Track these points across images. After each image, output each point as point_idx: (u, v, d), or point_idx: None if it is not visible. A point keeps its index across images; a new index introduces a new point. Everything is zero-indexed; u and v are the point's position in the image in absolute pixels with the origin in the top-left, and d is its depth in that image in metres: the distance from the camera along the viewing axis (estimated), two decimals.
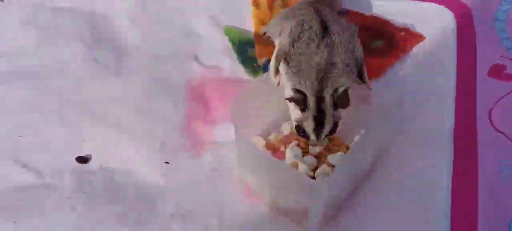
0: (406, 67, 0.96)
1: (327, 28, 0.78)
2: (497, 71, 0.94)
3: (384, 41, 0.98)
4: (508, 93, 0.90)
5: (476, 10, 1.07)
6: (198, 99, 0.90)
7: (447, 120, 0.86)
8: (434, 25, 1.04)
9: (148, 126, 0.86)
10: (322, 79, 0.74)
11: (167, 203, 0.77)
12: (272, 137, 0.84)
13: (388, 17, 1.05)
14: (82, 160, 0.81)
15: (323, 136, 0.75)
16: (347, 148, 0.80)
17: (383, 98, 0.81)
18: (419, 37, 0.99)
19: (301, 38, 0.77)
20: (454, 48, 0.99)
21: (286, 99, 0.77)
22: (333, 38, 0.77)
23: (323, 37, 0.77)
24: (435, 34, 1.02)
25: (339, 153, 0.79)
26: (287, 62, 0.77)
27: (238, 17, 1.06)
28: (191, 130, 0.86)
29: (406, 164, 0.81)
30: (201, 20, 1.05)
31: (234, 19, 1.06)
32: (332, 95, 0.74)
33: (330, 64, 0.75)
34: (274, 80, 0.81)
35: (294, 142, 0.81)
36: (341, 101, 0.74)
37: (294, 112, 0.76)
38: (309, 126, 0.74)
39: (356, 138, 0.80)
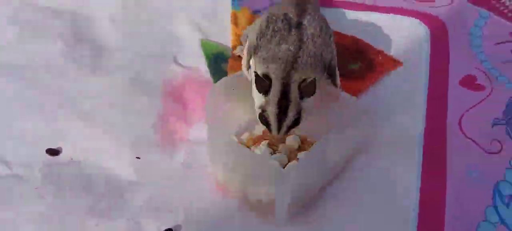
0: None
1: (300, 23, 0.80)
2: (469, 82, 0.96)
3: (362, 64, 0.99)
4: (479, 102, 0.92)
5: (451, 26, 1.09)
6: (175, 99, 0.92)
7: (418, 125, 0.88)
8: (410, 38, 1.07)
9: (123, 121, 0.87)
10: (288, 67, 0.75)
11: (137, 196, 0.77)
12: (244, 137, 0.85)
13: (365, 31, 1.08)
14: (53, 152, 0.81)
15: (285, 127, 0.74)
16: None
17: (355, 103, 0.82)
18: (396, 63, 1.00)
19: (268, 30, 0.79)
20: (427, 58, 1.02)
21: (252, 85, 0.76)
22: (303, 33, 0.79)
23: (291, 30, 0.78)
24: (409, 45, 1.05)
25: (305, 152, 0.79)
26: (255, 53, 0.78)
27: (219, 25, 1.08)
28: (165, 127, 0.87)
29: (377, 166, 0.82)
30: (182, 24, 1.07)
31: (215, 26, 1.08)
32: (299, 83, 0.74)
33: (298, 56, 0.76)
34: (246, 74, 0.82)
35: (265, 142, 0.82)
36: (307, 90, 0.74)
37: (258, 98, 0.76)
38: (271, 112, 0.74)
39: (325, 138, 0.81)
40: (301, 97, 0.75)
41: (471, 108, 0.91)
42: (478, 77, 0.97)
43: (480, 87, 0.95)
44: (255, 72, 0.76)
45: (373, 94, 0.94)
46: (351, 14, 1.14)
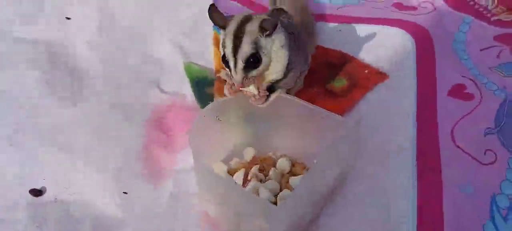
0: None
1: None
2: (458, 91, 0.95)
3: (348, 81, 0.97)
4: (470, 112, 0.90)
5: (435, 34, 1.08)
6: (158, 126, 0.88)
7: (409, 138, 0.86)
8: (395, 49, 1.05)
9: (105, 153, 0.83)
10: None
11: None
12: (233, 162, 0.82)
13: (350, 44, 1.06)
14: (36, 192, 0.78)
15: (240, 61, 0.73)
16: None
17: (342, 122, 0.80)
18: (382, 76, 0.98)
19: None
20: (414, 69, 1.00)
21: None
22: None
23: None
24: (395, 56, 1.03)
25: (300, 176, 0.77)
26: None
27: (201, 44, 1.06)
28: (150, 157, 0.84)
29: (369, 184, 0.80)
30: (163, 46, 1.04)
31: (197, 45, 1.05)
32: (260, 20, 0.74)
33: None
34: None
35: (256, 167, 0.79)
36: (268, 23, 0.73)
37: (221, 36, 0.76)
38: (227, 44, 0.74)
39: (316, 161, 0.79)
40: (262, 30, 0.73)
41: (461, 118, 0.89)
42: (467, 86, 0.96)
43: (469, 96, 0.94)
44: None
45: (360, 110, 0.92)
46: (335, 27, 1.12)
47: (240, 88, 0.78)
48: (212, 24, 1.06)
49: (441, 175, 0.80)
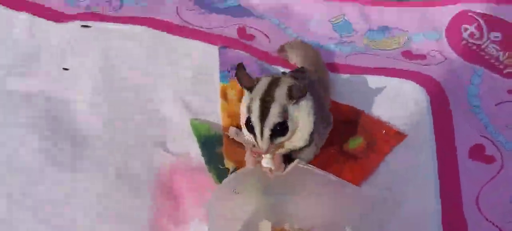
0: None
1: None
2: (478, 153, 0.91)
3: (365, 140, 0.93)
4: (492, 178, 0.87)
5: (448, 88, 1.05)
6: (166, 195, 0.83)
7: (433, 210, 0.82)
8: (409, 103, 1.01)
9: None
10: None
11: None
12: None
13: (360, 97, 1.02)
14: None
15: (267, 128, 0.71)
16: None
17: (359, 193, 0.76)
18: (400, 136, 0.94)
19: None
20: (431, 127, 0.96)
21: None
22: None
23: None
24: (410, 113, 0.99)
25: None
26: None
27: (208, 98, 1.00)
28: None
29: None
30: (169, 104, 0.98)
31: (205, 100, 1.00)
32: (288, 85, 0.73)
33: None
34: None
35: None
36: (297, 90, 0.72)
37: (245, 99, 0.75)
38: (254, 109, 0.72)
39: None
40: (290, 98, 0.72)
41: (485, 185, 0.85)
42: (486, 147, 0.92)
43: (490, 159, 0.90)
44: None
45: (377, 175, 0.87)
46: (345, 78, 1.08)
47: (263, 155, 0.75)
48: (219, 75, 1.05)
49: None
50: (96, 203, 0.80)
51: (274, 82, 0.75)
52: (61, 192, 0.81)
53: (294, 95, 0.72)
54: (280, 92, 0.73)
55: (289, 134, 0.74)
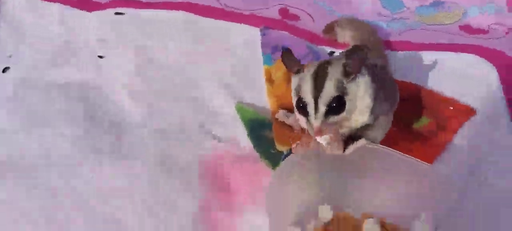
0: None
1: None
2: None
3: (431, 119, 0.84)
4: None
5: None
6: (216, 184, 0.75)
7: None
8: (475, 78, 0.92)
9: (158, 222, 0.70)
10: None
11: None
12: (310, 227, 0.68)
13: (423, 75, 0.93)
14: None
15: (322, 106, 0.63)
16: None
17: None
18: (469, 112, 0.85)
19: None
20: (503, 102, 0.87)
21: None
22: None
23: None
24: (477, 88, 0.90)
25: None
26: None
27: (253, 82, 0.93)
28: (209, 222, 0.70)
29: None
30: (213, 90, 0.91)
31: (249, 84, 0.93)
32: (343, 62, 0.65)
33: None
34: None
35: None
36: (355, 63, 0.64)
37: (294, 81, 0.68)
38: (306, 89, 0.64)
39: (414, 223, 0.65)
40: (346, 75, 0.64)
41: None
42: None
43: None
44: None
45: (449, 155, 0.78)
46: (402, 55, 0.99)
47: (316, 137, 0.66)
48: (262, 58, 0.98)
49: None
50: (140, 194, 0.73)
51: (327, 62, 0.67)
52: (103, 183, 0.74)
53: (351, 70, 0.64)
54: (335, 69, 0.65)
55: (346, 112, 0.65)
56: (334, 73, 0.65)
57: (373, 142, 0.70)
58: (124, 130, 0.83)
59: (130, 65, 0.95)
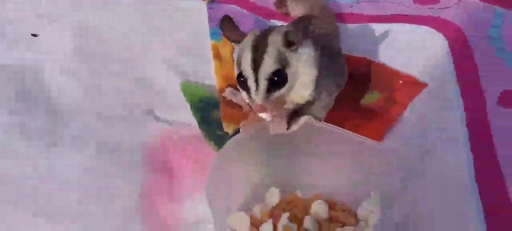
0: None
1: None
2: (509, 99, 0.81)
3: (381, 93, 0.82)
4: None
5: (468, 32, 0.94)
6: (159, 168, 0.72)
7: (464, 162, 0.71)
8: (426, 51, 0.91)
9: (98, 213, 0.66)
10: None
11: None
12: (256, 210, 0.66)
13: (373, 47, 0.91)
14: None
15: (262, 80, 0.60)
16: (355, 216, 0.64)
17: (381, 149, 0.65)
18: (420, 85, 0.83)
19: None
20: (453, 74, 0.86)
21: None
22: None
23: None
24: (429, 61, 0.89)
25: (348, 229, 0.61)
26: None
27: (199, 59, 0.89)
28: (153, 210, 0.67)
29: (429, 223, 0.65)
30: (156, 67, 0.87)
31: (196, 61, 0.88)
32: (284, 32, 0.62)
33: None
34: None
35: (285, 216, 0.63)
36: (294, 34, 0.61)
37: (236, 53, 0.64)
38: (244, 61, 0.61)
39: (364, 203, 0.64)
40: (288, 45, 0.61)
41: None
42: None
43: None
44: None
45: (399, 131, 0.76)
46: (353, 28, 0.97)
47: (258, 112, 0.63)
48: (209, 32, 0.94)
49: None
50: (78, 181, 0.69)
51: (268, 31, 0.64)
52: (38, 170, 0.69)
53: (291, 40, 0.61)
54: (275, 38, 0.62)
55: (288, 85, 0.62)
56: (275, 44, 0.61)
57: (316, 118, 0.68)
58: (61, 114, 0.77)
59: (68, 44, 0.89)
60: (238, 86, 0.64)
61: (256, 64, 0.60)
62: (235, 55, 0.65)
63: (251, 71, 0.61)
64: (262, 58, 0.60)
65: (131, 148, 0.73)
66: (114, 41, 0.91)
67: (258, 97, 0.61)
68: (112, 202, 0.67)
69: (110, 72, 0.85)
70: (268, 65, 0.60)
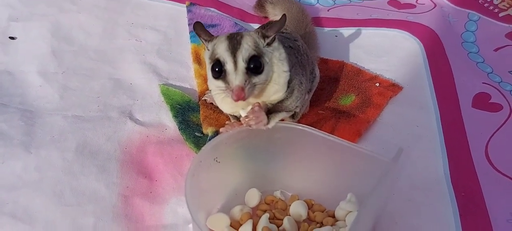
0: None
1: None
2: (482, 101, 0.83)
3: (357, 96, 0.83)
4: (501, 126, 0.78)
5: (443, 35, 0.96)
6: (137, 171, 0.71)
7: (439, 162, 0.73)
8: (402, 54, 0.92)
9: (74, 216, 0.65)
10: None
11: None
12: (236, 211, 0.66)
13: (350, 51, 0.92)
14: None
15: (241, 64, 0.60)
16: (333, 216, 0.65)
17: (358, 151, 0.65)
18: (396, 88, 0.84)
19: None
20: (428, 76, 0.87)
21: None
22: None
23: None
24: (404, 64, 0.90)
25: (325, 228, 0.62)
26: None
27: (181, 62, 0.89)
28: (131, 213, 0.66)
29: (405, 225, 0.66)
30: (134, 67, 0.86)
31: (176, 64, 0.88)
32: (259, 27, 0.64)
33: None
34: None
35: (265, 216, 0.63)
36: (268, 29, 0.63)
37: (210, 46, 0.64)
38: (221, 47, 0.62)
39: (342, 203, 0.65)
40: (262, 36, 0.63)
41: (493, 134, 0.77)
42: (491, 95, 0.84)
43: (496, 107, 0.82)
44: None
45: (375, 132, 0.77)
46: (329, 32, 0.98)
47: (240, 100, 0.62)
48: (189, 36, 0.94)
49: (485, 205, 0.67)
50: (54, 184, 0.67)
51: (240, 32, 0.65)
52: (12, 174, 0.68)
53: (265, 34, 0.62)
54: (250, 33, 0.63)
55: (264, 76, 0.62)
56: (250, 35, 0.63)
57: (293, 115, 0.69)
58: (36, 115, 0.76)
59: (44, 46, 0.88)
60: (212, 79, 0.63)
61: (234, 49, 0.61)
62: (206, 54, 0.65)
63: (229, 55, 0.61)
64: (239, 44, 0.61)
65: (109, 150, 0.73)
66: (91, 44, 0.90)
67: (237, 77, 0.60)
68: (90, 204, 0.66)
69: (87, 75, 0.84)
70: (246, 49, 0.61)
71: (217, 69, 0.62)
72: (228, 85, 0.61)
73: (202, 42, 0.66)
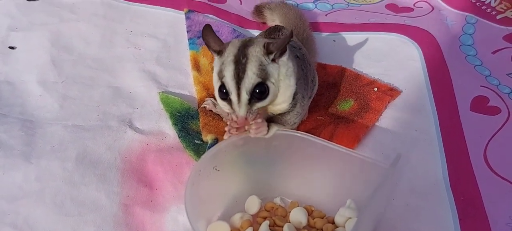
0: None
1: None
2: (480, 105, 0.83)
3: (356, 102, 0.83)
4: (499, 129, 0.78)
5: (440, 38, 0.96)
6: (137, 179, 0.71)
7: (438, 165, 0.73)
8: (400, 58, 0.93)
9: (75, 226, 0.65)
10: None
11: None
12: (236, 218, 0.66)
13: (348, 54, 0.93)
14: None
15: (244, 92, 0.61)
16: (332, 223, 0.65)
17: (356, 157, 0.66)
18: (394, 92, 0.84)
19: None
20: (427, 80, 0.88)
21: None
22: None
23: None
24: (402, 68, 0.91)
25: None
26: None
27: (180, 69, 0.89)
28: (132, 222, 0.66)
29: (405, 229, 0.66)
30: (133, 75, 0.87)
31: (175, 72, 0.89)
32: (264, 44, 0.63)
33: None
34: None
35: (266, 224, 0.64)
36: (275, 45, 0.62)
37: (216, 65, 0.65)
38: (227, 74, 0.62)
39: (341, 210, 0.65)
40: (268, 54, 0.63)
41: (492, 137, 0.77)
42: (489, 98, 0.84)
43: (494, 110, 0.82)
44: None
45: (374, 137, 0.78)
46: (327, 37, 0.98)
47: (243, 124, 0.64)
48: (188, 43, 0.94)
49: (484, 209, 0.67)
50: (54, 194, 0.68)
51: (248, 42, 0.65)
52: (12, 185, 0.68)
53: (272, 51, 0.62)
54: (256, 50, 0.63)
55: (270, 97, 0.63)
56: (256, 55, 0.62)
57: (291, 125, 0.69)
58: (37, 125, 0.77)
59: (44, 55, 0.88)
60: (219, 99, 0.65)
61: (239, 78, 0.61)
62: (215, 67, 0.66)
63: (234, 85, 0.62)
64: (244, 71, 0.61)
65: (110, 159, 0.73)
66: (90, 52, 0.90)
67: (240, 110, 0.62)
68: (91, 213, 0.66)
69: (87, 83, 0.84)
70: (250, 78, 0.61)
71: (224, 91, 0.63)
72: (233, 110, 0.63)
73: (212, 53, 0.66)
